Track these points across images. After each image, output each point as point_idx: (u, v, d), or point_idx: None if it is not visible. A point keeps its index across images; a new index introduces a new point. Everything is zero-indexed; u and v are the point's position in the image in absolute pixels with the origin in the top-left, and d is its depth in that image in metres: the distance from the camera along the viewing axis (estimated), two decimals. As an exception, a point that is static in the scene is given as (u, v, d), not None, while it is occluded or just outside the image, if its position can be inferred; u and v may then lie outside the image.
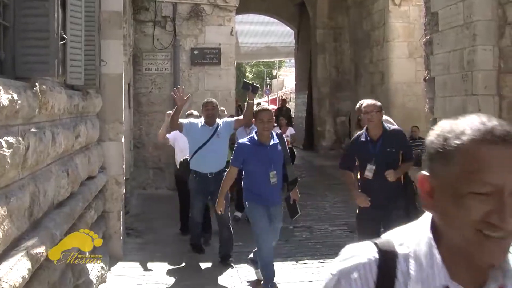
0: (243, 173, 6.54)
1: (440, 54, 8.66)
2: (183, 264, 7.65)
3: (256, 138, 6.30)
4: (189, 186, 7.94)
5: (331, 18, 18.79)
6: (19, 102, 3.72)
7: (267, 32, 26.54)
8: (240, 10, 15.60)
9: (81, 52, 6.02)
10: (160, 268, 7.43)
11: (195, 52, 13.46)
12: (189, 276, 7.17)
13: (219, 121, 7.84)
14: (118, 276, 7.01)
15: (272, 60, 46.79)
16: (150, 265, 7.54)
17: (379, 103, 6.20)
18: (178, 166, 9.13)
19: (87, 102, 6.57)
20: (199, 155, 7.63)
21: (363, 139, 6.17)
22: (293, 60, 30.18)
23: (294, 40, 24.59)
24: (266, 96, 44.17)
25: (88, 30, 6.38)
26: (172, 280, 6.97)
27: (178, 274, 7.23)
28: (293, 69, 30.69)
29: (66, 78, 5.64)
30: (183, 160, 8.40)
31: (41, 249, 3.88)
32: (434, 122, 8.77)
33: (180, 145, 8.81)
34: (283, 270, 7.20)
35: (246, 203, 6.49)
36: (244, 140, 6.50)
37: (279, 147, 6.37)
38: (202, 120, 7.82)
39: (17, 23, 4.19)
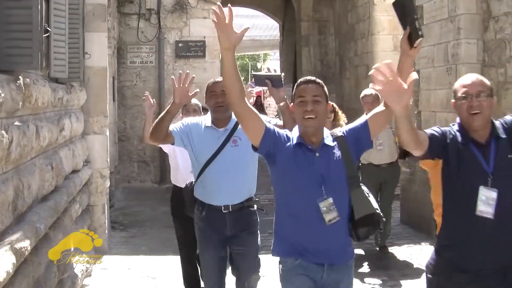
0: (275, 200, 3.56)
1: (424, 48, 8.68)
2: (169, 257, 7.64)
3: (298, 135, 3.44)
4: (195, 227, 4.72)
5: (316, 11, 18.76)
6: (2, 95, 3.69)
7: (252, 25, 26.37)
8: (225, 2, 15.54)
9: (65, 45, 5.98)
10: (145, 262, 7.42)
11: (180, 45, 13.40)
12: (174, 269, 7.17)
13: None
14: (103, 270, 6.99)
15: (257, 53, 46.74)
16: (135, 258, 7.54)
17: (488, 82, 3.44)
18: (174, 187, 6.03)
19: (71, 95, 6.53)
20: (205, 178, 4.51)
21: (460, 140, 3.34)
22: (278, 53, 30.13)
23: (279, 33, 24.56)
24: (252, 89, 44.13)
25: (72, 23, 6.34)
26: (157, 274, 6.96)
27: (164, 267, 7.22)
28: (278, 62, 30.66)
29: (50, 71, 5.60)
30: (188, 184, 4.91)
31: (26, 243, 3.85)
32: (419, 115, 8.82)
33: (179, 159, 5.81)
34: (268, 262, 7.19)
35: (280, 263, 3.52)
36: (285, 131, 3.57)
37: (338, 154, 3.41)
38: (207, 119, 4.63)
39: (0, 16, 4.15)
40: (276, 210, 3.52)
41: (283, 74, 4.14)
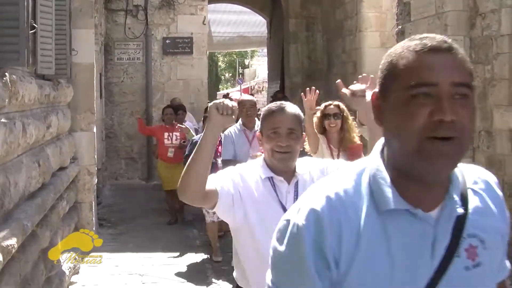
0: None
1: (412, 44, 8.72)
2: (156, 254, 7.63)
3: None
4: None
5: (304, 7, 18.74)
6: (-12, 92, 3.67)
7: (239, 21, 26.45)
8: (213, -1, 15.54)
9: (52, 41, 5.95)
10: (133, 258, 7.40)
11: (167, 41, 13.37)
12: (162, 266, 7.16)
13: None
14: (91, 267, 6.95)
15: (245, 49, 46.72)
16: (123, 255, 7.51)
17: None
18: None
19: (58, 92, 6.50)
20: None
21: None
22: (265, 50, 30.12)
23: (266, 30, 24.54)
24: (239, 86, 44.05)
25: (59, 19, 6.30)
26: (145, 271, 6.95)
27: (151, 264, 7.21)
28: (266, 59, 30.66)
29: (37, 68, 5.57)
30: None
31: (13, 241, 3.83)
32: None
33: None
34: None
35: None
36: None
37: None
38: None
39: (-14, 12, 4.12)
40: None
41: None
